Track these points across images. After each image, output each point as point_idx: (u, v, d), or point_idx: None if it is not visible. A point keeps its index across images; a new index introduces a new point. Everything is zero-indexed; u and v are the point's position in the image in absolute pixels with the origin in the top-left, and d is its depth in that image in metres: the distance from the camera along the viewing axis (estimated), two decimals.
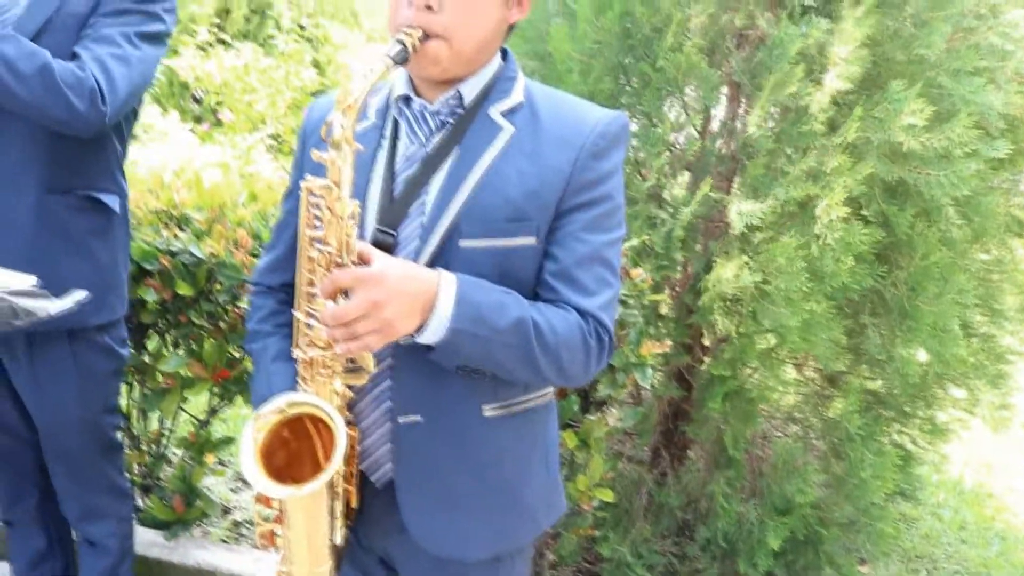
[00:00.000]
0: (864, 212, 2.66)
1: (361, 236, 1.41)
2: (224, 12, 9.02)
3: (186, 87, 6.38)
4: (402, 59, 1.30)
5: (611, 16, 2.70)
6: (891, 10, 2.57)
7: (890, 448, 2.93)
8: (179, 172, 2.85)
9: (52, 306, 1.52)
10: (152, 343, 2.77)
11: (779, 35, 2.51)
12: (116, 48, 1.91)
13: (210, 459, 2.86)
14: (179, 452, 3.02)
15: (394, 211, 1.42)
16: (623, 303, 2.40)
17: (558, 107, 1.46)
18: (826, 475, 2.95)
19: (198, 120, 7.48)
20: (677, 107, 2.91)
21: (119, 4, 1.95)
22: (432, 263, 1.38)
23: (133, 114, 2.17)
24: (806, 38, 2.49)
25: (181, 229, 2.57)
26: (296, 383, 1.44)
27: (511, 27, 1.46)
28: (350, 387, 1.42)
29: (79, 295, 1.55)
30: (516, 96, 1.45)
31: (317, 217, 1.30)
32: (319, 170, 1.30)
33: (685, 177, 2.94)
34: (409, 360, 1.41)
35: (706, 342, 3.05)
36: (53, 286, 1.55)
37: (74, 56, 1.89)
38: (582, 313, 1.40)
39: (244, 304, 2.36)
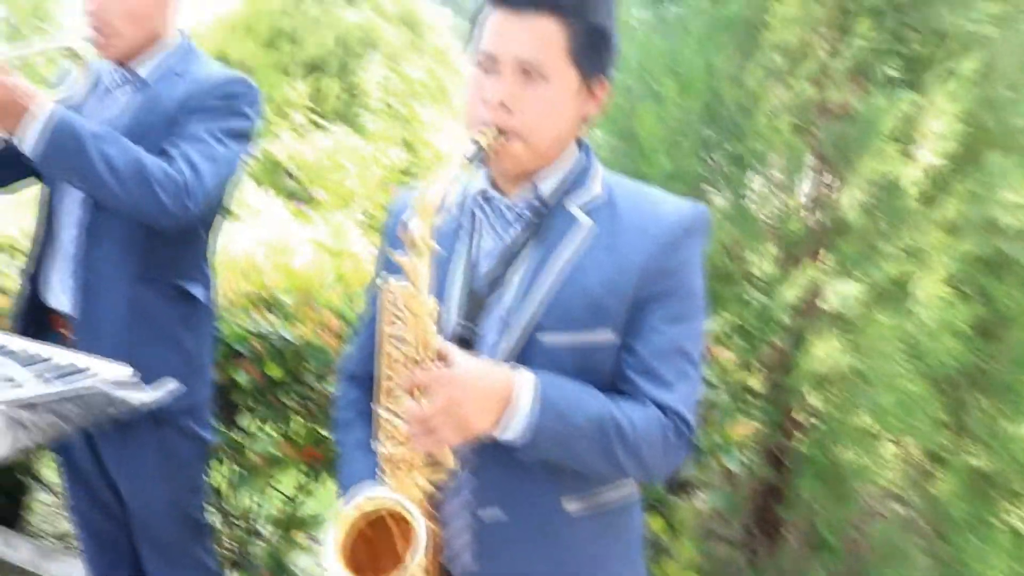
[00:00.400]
0: (961, 287, 2.57)
1: (442, 330, 1.40)
2: (317, 92, 9.37)
3: (281, 166, 6.62)
4: (478, 160, 1.32)
5: (696, 95, 2.70)
6: (984, 79, 2.51)
7: (1001, 530, 2.78)
8: (268, 255, 2.94)
9: (145, 396, 1.57)
10: (244, 421, 2.83)
11: (867, 109, 2.47)
12: (203, 146, 1.99)
13: (299, 536, 2.88)
14: (269, 528, 3.05)
15: (474, 305, 1.43)
16: (709, 384, 2.35)
17: (637, 199, 1.46)
18: (932, 559, 2.81)
19: (292, 197, 7.72)
20: (762, 182, 2.89)
21: (206, 103, 2.05)
22: (512, 358, 1.38)
23: (219, 206, 2.24)
24: (894, 112, 2.45)
25: (271, 312, 2.63)
26: (377, 474, 1.44)
27: (586, 119, 1.47)
28: (431, 481, 1.41)
29: (170, 385, 1.60)
30: (594, 189, 1.45)
31: (396, 316, 1.31)
32: (399, 267, 1.30)
33: (772, 251, 2.90)
34: (489, 453, 1.39)
35: (798, 417, 2.96)
36: (141, 373, 1.61)
37: (164, 153, 1.97)
38: (662, 407, 1.37)
39: (332, 386, 2.39)
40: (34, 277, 2.20)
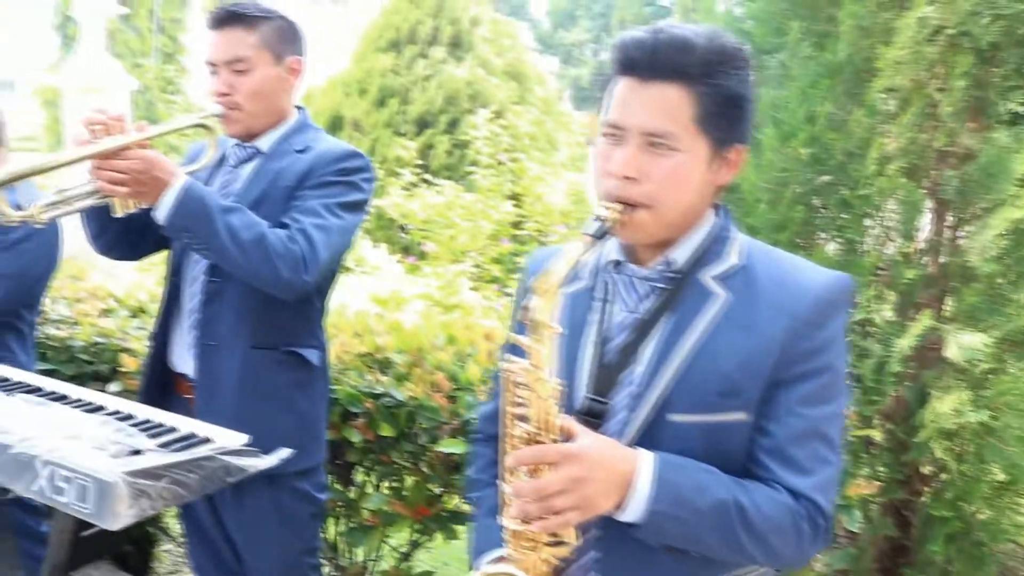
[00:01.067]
0: None
1: (571, 403, 1.40)
2: (427, 148, 9.59)
3: (393, 222, 6.79)
4: (600, 235, 1.29)
5: (797, 144, 2.65)
6: None
7: None
8: (381, 314, 3.00)
9: (260, 463, 1.62)
10: (358, 478, 2.88)
11: (990, 149, 2.38)
12: (319, 219, 2.07)
13: None
14: None
15: (605, 379, 1.40)
16: None
17: (776, 270, 1.39)
18: None
19: (405, 251, 7.89)
20: (877, 229, 2.81)
21: (323, 177, 2.14)
22: (640, 435, 1.35)
23: (334, 276, 2.32)
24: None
25: (383, 373, 2.68)
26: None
27: (723, 187, 1.42)
28: (555, 556, 1.39)
29: (284, 453, 1.65)
30: (731, 258, 1.40)
31: (519, 395, 1.29)
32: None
33: (890, 298, 2.81)
34: (617, 532, 1.35)
35: (924, 470, 2.83)
36: (256, 437, 1.67)
37: (283, 226, 2.06)
38: (795, 494, 1.31)
39: (443, 446, 2.42)
40: (161, 340, 2.32)
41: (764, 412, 1.34)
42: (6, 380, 2.02)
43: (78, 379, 3.30)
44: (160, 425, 1.69)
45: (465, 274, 5.95)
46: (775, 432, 1.33)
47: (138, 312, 3.69)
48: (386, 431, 2.54)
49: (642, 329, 1.39)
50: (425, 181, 6.65)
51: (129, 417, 1.74)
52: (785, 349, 1.31)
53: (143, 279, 4.70)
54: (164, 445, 1.56)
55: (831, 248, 2.85)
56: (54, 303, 3.66)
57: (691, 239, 1.40)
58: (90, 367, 3.38)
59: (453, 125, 9.79)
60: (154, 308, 3.64)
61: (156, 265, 6.91)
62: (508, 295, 5.85)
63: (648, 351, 1.37)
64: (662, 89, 1.30)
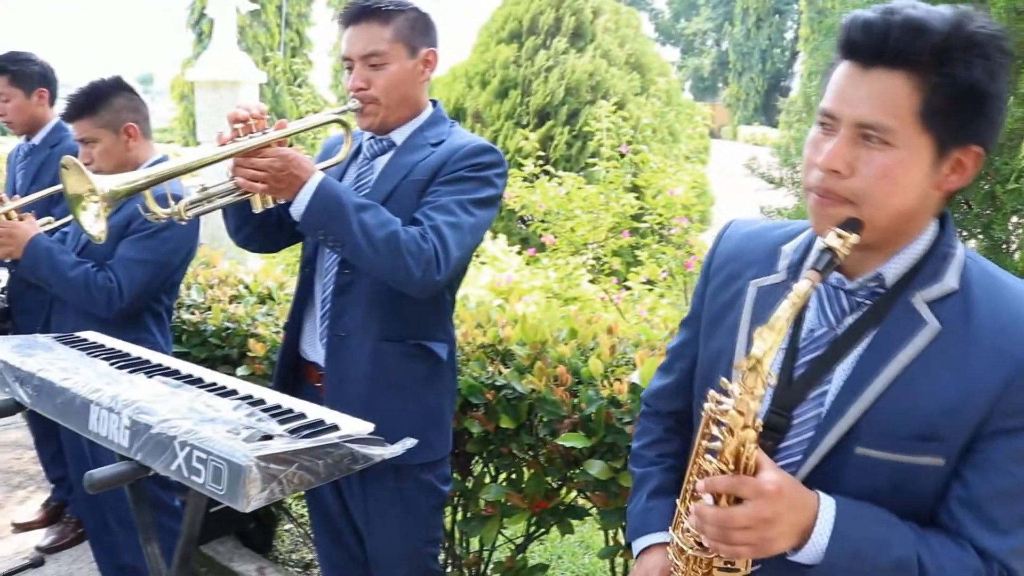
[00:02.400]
0: None
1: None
2: (547, 140, 9.58)
3: (513, 213, 6.81)
4: (829, 269, 1.19)
5: None
6: None
7: None
8: (502, 305, 3.00)
9: (386, 452, 1.63)
10: (476, 469, 2.90)
11: None
12: (451, 216, 2.08)
13: None
14: (496, 575, 3.10)
15: (792, 393, 1.32)
16: None
17: (1001, 303, 1.23)
18: None
19: (524, 242, 7.90)
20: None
21: (456, 173, 2.14)
22: (822, 462, 1.27)
23: (463, 269, 2.33)
24: None
25: (505, 365, 2.68)
26: (671, 522, 1.42)
27: (951, 194, 1.27)
28: None
29: (409, 443, 1.66)
30: (949, 281, 1.24)
31: (716, 434, 1.23)
32: (723, 309, 1.37)
33: None
34: (777, 563, 1.28)
35: None
36: (383, 427, 1.69)
37: (415, 221, 2.07)
38: (985, 556, 1.21)
39: (563, 440, 2.40)
40: (293, 329, 2.37)
41: (966, 460, 1.22)
42: (146, 362, 2.09)
43: (209, 362, 3.44)
44: (290, 411, 1.72)
45: (584, 266, 5.92)
46: (975, 485, 1.21)
47: (266, 299, 3.80)
48: (506, 423, 2.54)
49: (839, 347, 1.29)
50: (546, 172, 6.63)
51: (260, 402, 1.78)
52: (1000, 400, 1.18)
53: (270, 267, 4.84)
54: (294, 431, 1.59)
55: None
56: (188, 289, 3.81)
57: (906, 253, 1.27)
58: (220, 351, 3.50)
59: (573, 116, 9.77)
60: (281, 296, 3.76)
61: (283, 254, 7.13)
62: (628, 288, 5.80)
63: (842, 372, 1.28)
64: (884, 77, 1.17)
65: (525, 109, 9.99)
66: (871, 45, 1.18)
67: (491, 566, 3.08)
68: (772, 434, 1.30)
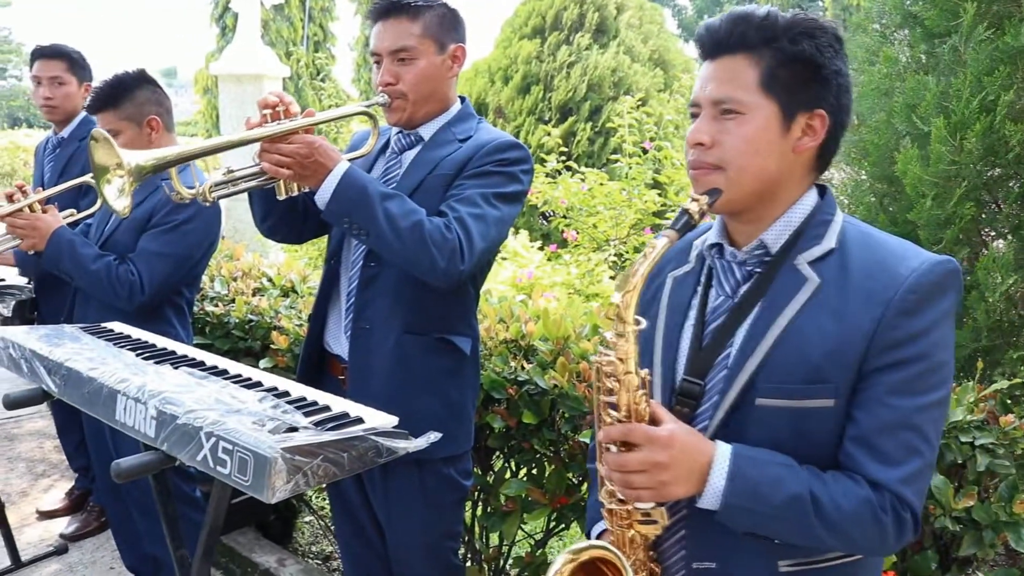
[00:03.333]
0: None
1: (672, 383, 1.47)
2: (569, 136, 9.56)
3: (535, 209, 6.79)
4: (685, 229, 1.34)
5: (971, 136, 2.49)
6: None
7: None
8: (525, 301, 2.99)
9: (409, 445, 1.64)
10: (497, 465, 2.90)
11: None
12: (477, 209, 2.08)
13: None
14: (516, 570, 3.10)
15: (701, 361, 1.44)
16: (991, 453, 2.15)
17: (872, 255, 1.37)
18: None
19: (546, 238, 7.89)
20: None
21: (482, 167, 2.14)
22: (727, 418, 1.38)
23: (487, 264, 2.33)
24: None
25: (527, 360, 2.68)
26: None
27: (820, 163, 1.43)
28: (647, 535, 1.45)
29: (433, 436, 1.66)
30: (828, 242, 1.39)
31: (609, 386, 1.35)
32: (648, 304, 1.50)
33: None
34: (702, 513, 1.38)
35: None
36: (406, 421, 1.70)
37: (440, 214, 2.07)
38: (877, 487, 1.29)
39: (586, 436, 2.40)
40: (318, 322, 2.38)
41: (854, 401, 1.33)
42: (172, 353, 2.11)
43: (231, 354, 3.46)
44: (314, 403, 1.73)
45: (605, 262, 5.90)
46: (862, 421, 1.31)
47: (288, 292, 3.82)
48: (528, 418, 2.54)
49: (736, 314, 1.42)
50: (569, 168, 6.60)
51: (285, 394, 1.79)
52: (875, 338, 1.30)
53: (293, 260, 4.85)
54: (318, 424, 1.60)
55: (999, 245, 2.69)
56: (211, 281, 3.83)
57: (785, 220, 1.42)
58: (243, 343, 3.52)
59: (596, 113, 9.72)
60: (304, 289, 3.77)
61: (306, 248, 7.16)
62: None
63: (740, 335, 1.40)
64: (728, 61, 1.38)
65: (547, 105, 9.95)
66: (712, 40, 1.39)
67: (510, 561, 3.08)
68: (688, 401, 1.43)
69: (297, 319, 3.27)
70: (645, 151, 6.45)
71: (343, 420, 1.64)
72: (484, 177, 2.13)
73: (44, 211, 2.97)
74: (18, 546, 3.75)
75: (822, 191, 1.46)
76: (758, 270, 1.42)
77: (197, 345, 3.17)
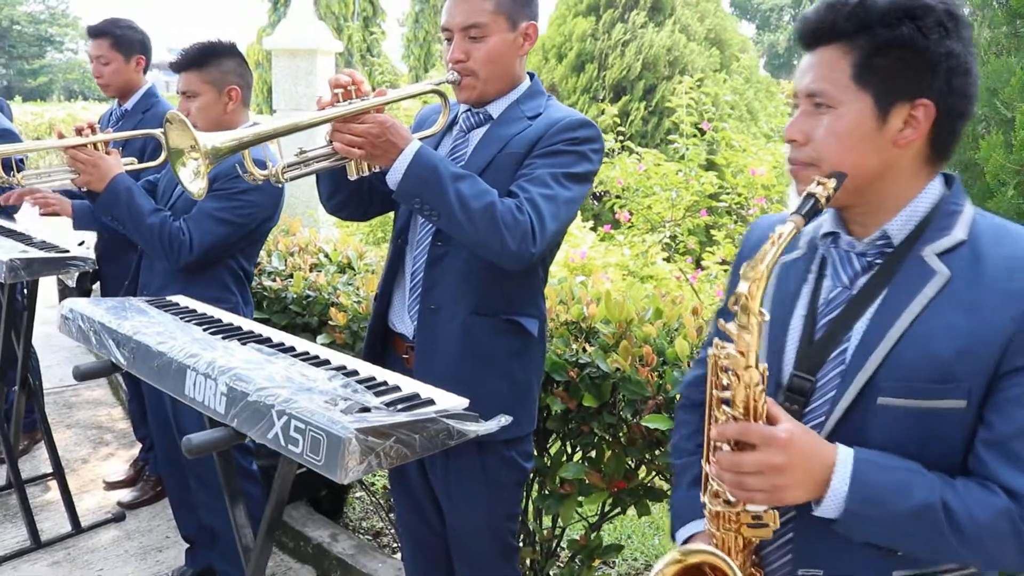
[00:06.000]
0: None
1: (779, 378, 1.40)
2: (624, 115, 9.46)
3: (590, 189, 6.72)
4: (812, 214, 1.26)
5: None
6: None
7: None
8: (585, 284, 2.96)
9: (480, 428, 1.62)
10: (553, 448, 2.88)
11: None
12: (548, 189, 2.04)
13: (596, 562, 2.89)
14: (568, 553, 3.09)
15: (813, 355, 1.36)
16: None
17: (1009, 248, 1.28)
18: None
19: (596, 219, 7.83)
20: None
21: (553, 146, 2.10)
22: (845, 419, 1.30)
23: (556, 245, 2.30)
24: None
25: (589, 342, 2.65)
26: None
27: (942, 154, 1.34)
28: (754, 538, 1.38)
29: (504, 420, 1.64)
30: (957, 234, 1.30)
31: (724, 380, 1.28)
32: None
33: None
34: (813, 517, 1.31)
35: None
36: (472, 402, 1.67)
37: (510, 194, 2.04)
38: (1015, 495, 1.20)
39: (648, 421, 2.37)
40: (383, 300, 2.36)
41: (988, 403, 1.24)
42: (238, 329, 2.11)
43: (288, 329, 3.47)
44: (384, 383, 1.72)
45: (659, 244, 5.84)
46: (997, 425, 1.23)
47: (345, 268, 3.82)
48: (589, 401, 2.51)
49: (854, 306, 1.34)
50: (626, 148, 6.53)
51: (354, 373, 1.78)
52: (1014, 339, 1.21)
53: (348, 236, 4.86)
54: (390, 404, 1.58)
55: None
56: (268, 256, 3.85)
57: (908, 211, 1.34)
58: (300, 318, 3.53)
59: (650, 92, 9.62)
60: (361, 265, 3.77)
61: (359, 224, 7.17)
62: (703, 268, 5.71)
63: (859, 329, 1.32)
64: (823, 52, 1.32)
65: (601, 83, 9.87)
66: (808, 30, 1.34)
67: (564, 544, 3.07)
68: (797, 398, 1.35)
69: (355, 296, 3.27)
70: (703, 132, 6.36)
71: (414, 401, 1.62)
72: (555, 156, 2.09)
73: (108, 153, 2.96)
74: (78, 512, 3.83)
75: (949, 180, 1.38)
76: (879, 261, 1.34)
77: (255, 319, 3.18)
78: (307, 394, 1.58)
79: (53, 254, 3.27)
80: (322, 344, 3.16)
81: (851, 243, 1.38)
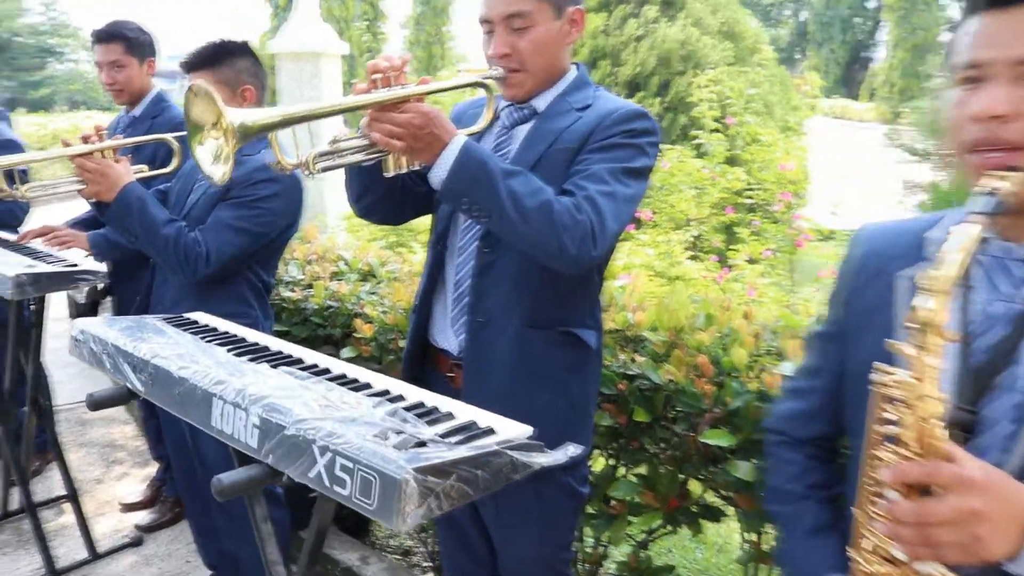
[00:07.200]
0: None
1: None
2: None
3: None
4: (998, 212, 1.05)
5: None
6: None
7: None
8: (625, 288, 2.79)
9: (546, 459, 1.44)
10: (596, 465, 2.70)
11: None
12: (605, 186, 1.84)
13: None
14: (615, 574, 2.92)
15: (973, 383, 1.14)
16: None
17: None
18: None
19: None
20: None
21: (608, 140, 1.90)
22: None
23: (614, 248, 2.10)
24: None
25: (637, 352, 2.47)
26: (842, 563, 1.22)
27: None
28: None
29: (572, 450, 1.46)
30: None
31: (891, 413, 1.05)
32: (871, 309, 1.17)
33: None
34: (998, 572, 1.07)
35: None
36: (526, 421, 1.49)
37: (564, 192, 1.85)
38: None
39: (706, 437, 2.18)
40: (422, 313, 2.17)
41: None
42: (265, 349, 1.94)
43: (310, 341, 3.30)
44: (435, 410, 1.54)
45: (684, 243, 5.66)
46: None
47: (367, 276, 3.65)
48: (640, 416, 2.33)
49: (1022, 323, 1.13)
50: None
51: (400, 399, 1.60)
52: None
53: (367, 244, 4.69)
54: (445, 435, 1.40)
55: None
56: (285, 265, 3.67)
57: None
58: (322, 330, 3.36)
59: (664, 87, 9.42)
60: (383, 273, 3.59)
61: (373, 229, 6.99)
62: (729, 267, 5.52)
63: None
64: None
65: (615, 80, 9.69)
66: None
67: (611, 564, 2.89)
68: (958, 433, 1.13)
69: (381, 306, 3.09)
70: (727, 127, 6.16)
71: (473, 431, 1.44)
72: (611, 150, 1.89)
73: (117, 161, 2.76)
74: (93, 537, 3.66)
75: None
76: None
77: (274, 333, 3.01)
78: (352, 426, 1.39)
79: (61, 268, 3.10)
80: (347, 358, 2.99)
81: (1008, 248, 1.18)
